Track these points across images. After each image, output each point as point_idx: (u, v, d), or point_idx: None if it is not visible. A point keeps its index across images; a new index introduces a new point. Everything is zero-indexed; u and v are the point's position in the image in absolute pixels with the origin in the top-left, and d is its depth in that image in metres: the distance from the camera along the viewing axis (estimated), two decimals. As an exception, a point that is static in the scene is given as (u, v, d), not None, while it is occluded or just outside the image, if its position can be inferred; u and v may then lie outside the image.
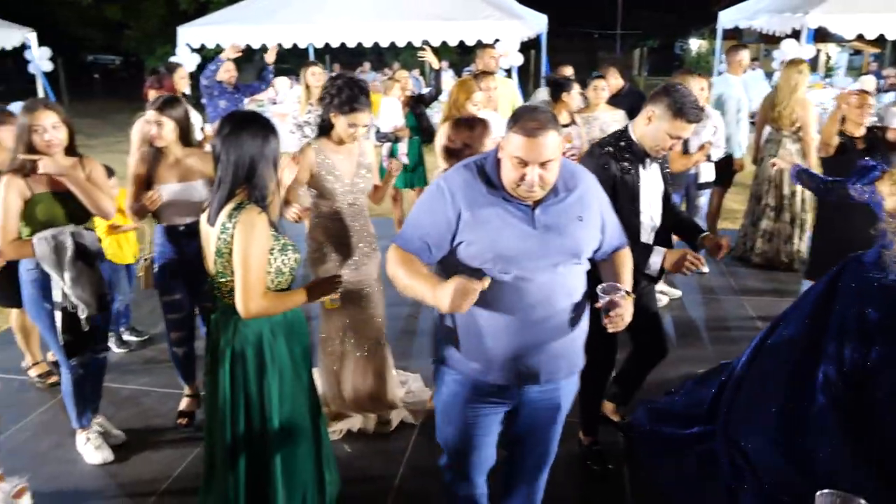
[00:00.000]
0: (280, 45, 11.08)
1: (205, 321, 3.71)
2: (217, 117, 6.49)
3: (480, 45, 10.10)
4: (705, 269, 6.01)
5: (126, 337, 4.77)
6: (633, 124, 2.99)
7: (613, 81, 6.03)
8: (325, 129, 3.41)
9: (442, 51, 17.22)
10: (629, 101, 5.74)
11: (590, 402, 3.37)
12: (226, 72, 6.58)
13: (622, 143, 2.97)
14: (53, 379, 4.17)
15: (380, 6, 10.13)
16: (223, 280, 2.47)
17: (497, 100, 5.11)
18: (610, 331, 2.14)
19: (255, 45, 10.88)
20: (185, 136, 3.50)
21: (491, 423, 2.36)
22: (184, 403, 3.85)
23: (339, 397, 3.74)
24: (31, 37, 12.52)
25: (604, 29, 33.15)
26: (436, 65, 6.33)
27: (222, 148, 2.39)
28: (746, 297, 5.49)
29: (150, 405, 4.02)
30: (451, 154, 3.60)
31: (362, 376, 3.71)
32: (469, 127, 3.47)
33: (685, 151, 4.78)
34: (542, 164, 2.02)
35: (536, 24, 11.32)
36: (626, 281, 2.31)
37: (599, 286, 2.18)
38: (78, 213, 3.20)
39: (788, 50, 8.65)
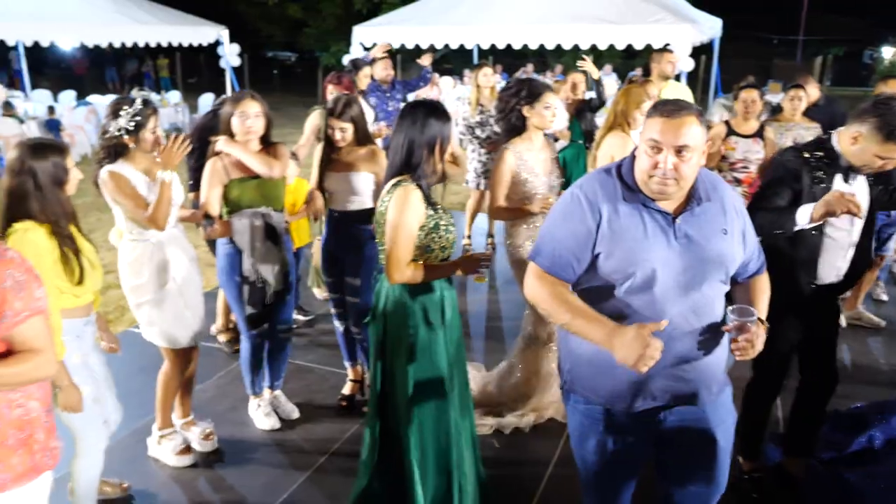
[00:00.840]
0: (446, 46, 11.44)
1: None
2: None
3: (650, 49, 9.86)
4: (884, 297, 5.54)
5: (294, 315, 5.12)
6: (839, 136, 2.76)
7: (810, 92, 5.64)
8: (516, 129, 3.49)
9: (606, 55, 17.01)
10: (826, 114, 5.34)
11: (751, 422, 3.19)
12: (383, 69, 6.68)
13: (821, 154, 2.77)
14: (238, 347, 4.55)
15: (547, 9, 10.14)
16: (382, 248, 2.69)
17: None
18: (737, 358, 2.00)
19: (424, 45, 11.25)
20: (361, 134, 3.63)
21: (628, 455, 2.19)
22: (347, 388, 4.05)
23: (492, 392, 3.79)
24: (223, 34, 13.67)
25: (783, 34, 31.04)
26: (595, 74, 6.23)
27: (393, 136, 2.64)
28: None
29: (313, 381, 4.30)
30: None
31: (514, 372, 3.75)
32: None
33: None
34: (678, 152, 1.89)
35: (711, 28, 10.86)
36: (762, 309, 2.15)
37: (730, 307, 2.04)
38: (269, 196, 3.47)
39: None
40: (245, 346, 3.69)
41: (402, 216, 2.54)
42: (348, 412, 3.93)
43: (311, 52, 27.77)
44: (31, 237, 2.42)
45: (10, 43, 11.87)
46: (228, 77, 13.81)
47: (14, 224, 2.44)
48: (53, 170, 2.50)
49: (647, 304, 1.97)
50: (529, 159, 3.49)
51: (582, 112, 6.13)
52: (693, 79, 11.47)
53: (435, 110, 2.63)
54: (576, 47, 10.21)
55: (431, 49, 13.81)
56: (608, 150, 4.37)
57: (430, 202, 2.62)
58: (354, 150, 3.63)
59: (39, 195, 2.45)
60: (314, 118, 5.15)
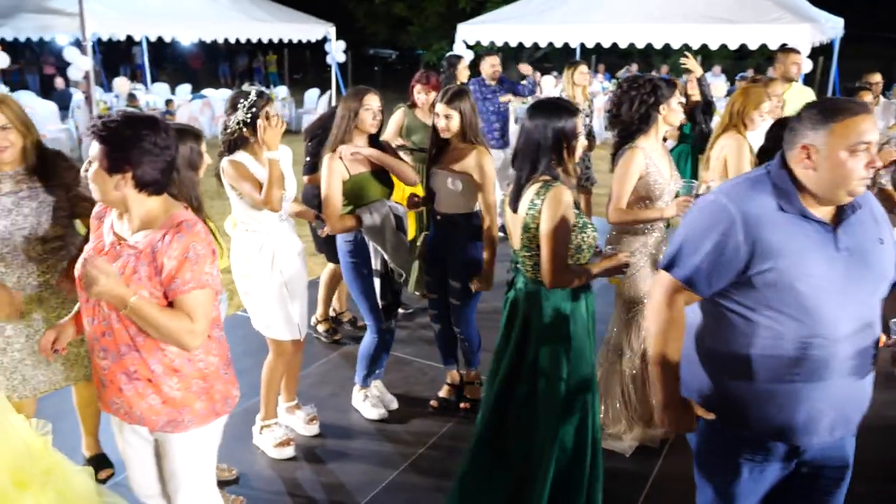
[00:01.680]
0: (550, 44, 11.34)
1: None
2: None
3: (763, 49, 9.45)
4: None
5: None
6: None
7: None
8: (641, 128, 3.31)
9: (715, 55, 16.40)
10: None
11: None
12: (491, 66, 6.62)
13: None
14: (337, 337, 4.68)
15: (657, 7, 9.88)
16: (527, 254, 2.66)
17: (781, 109, 4.72)
18: None
19: (528, 43, 11.21)
20: (469, 130, 3.51)
21: (757, 488, 2.05)
22: (443, 391, 4.02)
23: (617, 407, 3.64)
24: (331, 31, 14.05)
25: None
26: (698, 72, 6.00)
27: (523, 135, 2.61)
28: None
29: (412, 373, 4.37)
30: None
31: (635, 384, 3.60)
32: None
33: None
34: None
35: (832, 28, 10.29)
36: None
37: (893, 320, 1.91)
38: (388, 190, 3.54)
39: None
40: (370, 339, 3.72)
41: (558, 219, 2.52)
42: (443, 410, 3.94)
43: (412, 50, 28.16)
44: None
45: (137, 38, 12.57)
46: (334, 73, 14.18)
47: None
48: (190, 154, 2.67)
49: (806, 323, 1.83)
50: (657, 160, 3.34)
51: (694, 113, 5.93)
52: (808, 82, 10.90)
53: (566, 109, 2.59)
54: (685, 46, 9.90)
55: (534, 48, 13.77)
56: (721, 152, 4.20)
57: (576, 204, 2.61)
58: (460, 149, 3.54)
59: (177, 177, 2.59)
60: (398, 116, 5.18)
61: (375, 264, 3.53)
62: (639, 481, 3.34)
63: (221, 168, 3.24)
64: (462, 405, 3.91)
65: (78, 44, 10.52)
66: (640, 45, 10.26)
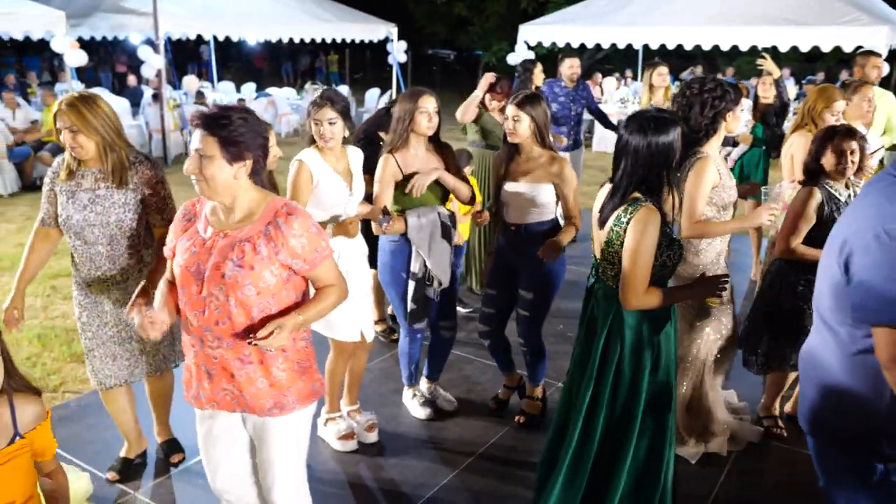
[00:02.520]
0: (613, 46, 11.22)
1: (518, 323, 3.72)
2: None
3: (839, 51, 9.14)
4: None
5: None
6: None
7: None
8: (708, 133, 3.19)
9: (783, 58, 15.91)
10: None
11: None
12: (569, 67, 6.56)
13: None
14: (395, 336, 4.73)
15: (725, 9, 9.68)
16: (609, 265, 2.58)
17: (872, 114, 4.56)
18: None
19: (590, 45, 11.12)
20: (541, 136, 3.43)
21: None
22: (502, 392, 4.02)
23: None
24: (392, 31, 14.19)
25: None
26: (776, 73, 5.83)
27: (621, 149, 2.50)
28: None
29: (471, 373, 4.38)
30: (812, 173, 3.32)
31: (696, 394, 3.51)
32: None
33: None
34: None
35: (911, 30, 9.88)
36: None
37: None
38: (441, 195, 3.54)
39: None
40: (405, 340, 3.77)
41: (644, 240, 2.40)
42: (502, 413, 3.93)
43: (470, 51, 28.21)
44: None
45: (206, 37, 12.92)
46: (395, 73, 14.32)
47: None
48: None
49: None
50: (721, 167, 3.23)
51: (767, 115, 5.78)
52: (884, 86, 10.50)
53: (670, 121, 2.45)
54: (752, 49, 9.66)
55: (596, 49, 13.63)
56: (790, 150, 4.09)
57: (665, 220, 2.47)
58: (534, 158, 3.44)
59: None
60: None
61: (414, 267, 3.50)
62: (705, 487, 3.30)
63: (292, 161, 3.26)
64: (518, 419, 3.82)
65: (151, 42, 10.89)
66: (707, 46, 10.07)
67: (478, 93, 5.03)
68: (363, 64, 26.96)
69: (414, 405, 3.91)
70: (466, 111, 5.12)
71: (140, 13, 11.15)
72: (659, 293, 2.49)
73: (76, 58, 9.72)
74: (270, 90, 15.36)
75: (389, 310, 5.01)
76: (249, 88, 15.75)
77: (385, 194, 3.44)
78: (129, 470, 3.34)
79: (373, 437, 3.66)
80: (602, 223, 2.56)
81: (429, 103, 3.40)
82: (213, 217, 2.19)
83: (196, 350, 2.22)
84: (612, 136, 6.35)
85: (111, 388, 3.13)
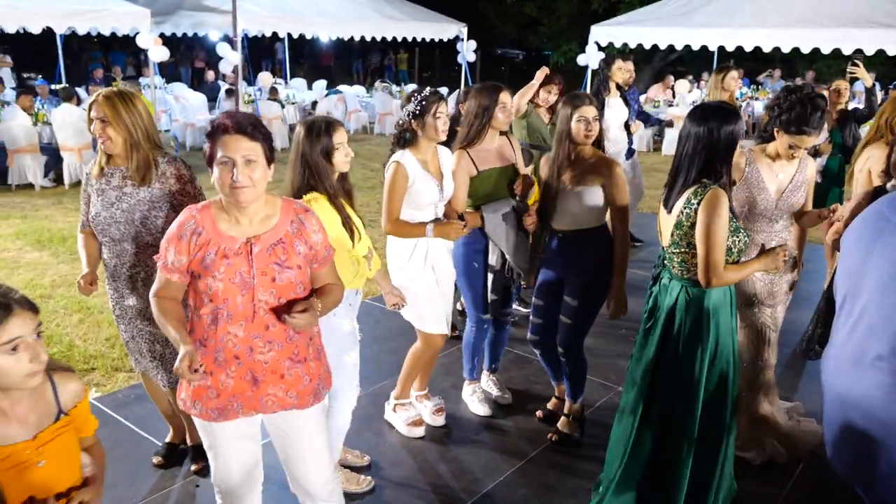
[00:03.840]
0: (687, 47, 11.01)
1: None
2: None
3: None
4: None
5: (514, 306, 5.23)
6: None
7: None
8: (765, 137, 3.26)
9: (867, 61, 15.24)
10: None
11: None
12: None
13: None
14: (455, 333, 4.77)
15: (807, 10, 9.36)
16: (675, 251, 2.68)
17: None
18: None
19: (663, 46, 10.94)
20: (597, 137, 3.36)
21: None
22: (551, 403, 3.93)
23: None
24: (463, 30, 14.25)
25: None
26: (868, 82, 5.62)
27: (684, 136, 2.60)
28: None
29: (532, 371, 4.39)
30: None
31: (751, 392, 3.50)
32: None
33: None
34: None
35: None
36: None
37: None
38: (513, 189, 3.57)
39: None
40: (471, 332, 3.80)
41: (716, 220, 2.52)
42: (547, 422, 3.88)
43: (538, 51, 28.03)
44: (317, 206, 2.73)
45: (282, 35, 13.22)
46: (464, 72, 14.37)
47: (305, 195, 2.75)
48: (326, 144, 2.77)
49: None
50: (763, 173, 3.26)
51: (845, 123, 5.58)
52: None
53: (734, 113, 2.59)
54: (835, 52, 9.32)
55: (669, 50, 13.37)
56: (866, 164, 3.94)
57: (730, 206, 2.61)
58: (587, 159, 3.32)
59: (315, 169, 2.76)
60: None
61: (492, 259, 3.56)
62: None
63: (388, 163, 3.30)
64: (550, 436, 3.66)
65: (229, 39, 11.24)
66: (786, 49, 9.78)
67: (534, 83, 5.10)
68: (431, 63, 27.12)
69: (473, 401, 3.95)
70: (522, 98, 5.14)
71: (220, 11, 11.52)
72: (734, 268, 2.62)
73: (159, 53, 10.11)
74: (341, 87, 15.64)
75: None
76: (320, 85, 16.07)
77: (462, 191, 3.48)
78: (174, 455, 3.41)
79: (440, 420, 3.75)
80: (669, 207, 2.65)
81: (507, 98, 3.48)
82: (228, 225, 2.14)
83: (241, 361, 2.17)
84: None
85: (145, 374, 3.22)
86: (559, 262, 3.45)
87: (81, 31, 10.38)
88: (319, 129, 2.76)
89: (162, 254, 2.18)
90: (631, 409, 2.84)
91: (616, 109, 6.02)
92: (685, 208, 2.59)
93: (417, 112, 3.20)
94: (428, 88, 3.30)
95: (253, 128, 2.08)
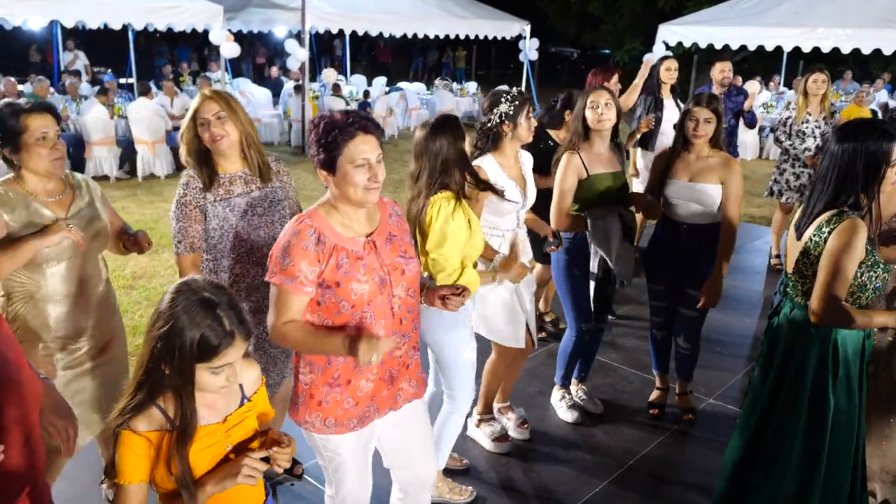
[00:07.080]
0: (761, 48, 10.69)
1: (682, 325, 3.71)
2: None
3: None
4: None
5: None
6: None
7: None
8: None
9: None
10: None
11: None
12: (720, 73, 6.31)
13: None
14: (542, 334, 4.72)
15: (886, 10, 8.99)
16: (799, 280, 2.47)
17: None
18: None
19: (734, 46, 10.65)
20: (716, 136, 3.44)
21: None
22: (654, 395, 3.96)
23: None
24: (526, 28, 14.17)
25: None
26: None
27: (824, 154, 2.41)
28: None
29: (618, 380, 4.31)
30: None
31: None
32: None
33: None
34: None
35: None
36: None
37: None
38: (622, 194, 3.51)
39: None
40: (569, 337, 3.73)
41: (847, 251, 2.28)
42: (658, 419, 3.87)
43: (595, 49, 27.66)
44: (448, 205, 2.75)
45: (347, 32, 13.28)
46: (526, 70, 14.28)
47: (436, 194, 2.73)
48: (452, 146, 2.75)
49: None
50: None
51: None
52: None
53: (873, 130, 2.32)
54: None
55: (740, 50, 13.00)
56: None
57: (870, 238, 2.35)
58: (705, 157, 3.46)
59: (451, 172, 2.76)
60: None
61: (593, 266, 3.49)
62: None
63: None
64: (686, 416, 3.87)
65: (296, 36, 11.37)
66: (866, 50, 9.41)
67: (637, 81, 5.14)
68: (488, 61, 27.05)
69: (562, 407, 3.89)
70: (628, 98, 5.21)
71: (288, 8, 11.67)
72: (853, 312, 2.32)
73: (231, 50, 10.28)
74: (402, 84, 15.69)
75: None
76: (380, 82, 16.15)
77: (567, 192, 3.43)
78: None
79: (525, 433, 3.67)
80: (800, 233, 2.45)
81: (600, 98, 3.39)
82: (343, 227, 2.09)
83: (383, 361, 2.16)
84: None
85: None
86: (679, 253, 3.57)
87: (160, 27, 10.66)
88: (455, 129, 2.77)
89: (288, 271, 2.01)
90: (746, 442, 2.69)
91: (670, 110, 5.87)
92: (814, 236, 2.37)
93: (511, 112, 3.11)
94: (515, 89, 3.21)
95: (377, 128, 2.08)
